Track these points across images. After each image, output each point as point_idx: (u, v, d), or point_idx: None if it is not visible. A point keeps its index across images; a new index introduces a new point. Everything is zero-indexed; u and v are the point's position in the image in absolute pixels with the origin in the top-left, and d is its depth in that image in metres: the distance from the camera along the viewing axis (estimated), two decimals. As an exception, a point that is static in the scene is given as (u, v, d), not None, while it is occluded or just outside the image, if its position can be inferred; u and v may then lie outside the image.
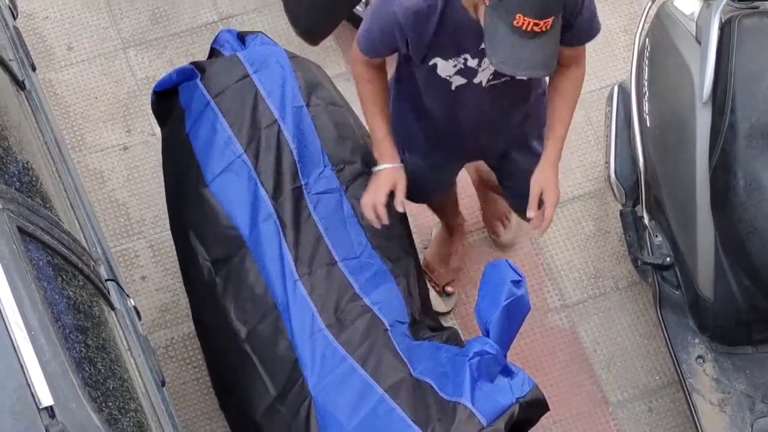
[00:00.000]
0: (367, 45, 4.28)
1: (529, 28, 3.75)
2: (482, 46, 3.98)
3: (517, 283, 4.19)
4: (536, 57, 3.85)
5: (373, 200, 4.38)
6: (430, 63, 4.19)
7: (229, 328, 4.40)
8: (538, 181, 4.38)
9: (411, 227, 4.79)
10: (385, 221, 4.39)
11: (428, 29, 4.06)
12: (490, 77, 4.22)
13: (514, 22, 3.74)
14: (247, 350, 4.36)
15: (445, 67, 4.19)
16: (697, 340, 5.01)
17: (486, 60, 4.07)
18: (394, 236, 4.58)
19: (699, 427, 4.92)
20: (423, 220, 5.43)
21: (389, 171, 4.40)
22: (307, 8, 5.33)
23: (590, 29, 4.26)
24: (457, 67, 4.19)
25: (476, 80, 4.24)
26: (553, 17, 3.79)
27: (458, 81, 4.24)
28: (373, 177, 4.43)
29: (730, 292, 4.86)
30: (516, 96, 4.42)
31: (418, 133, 4.54)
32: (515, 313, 4.24)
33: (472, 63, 4.17)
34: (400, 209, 4.42)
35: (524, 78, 4.19)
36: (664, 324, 5.07)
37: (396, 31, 4.10)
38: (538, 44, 3.81)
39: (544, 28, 3.77)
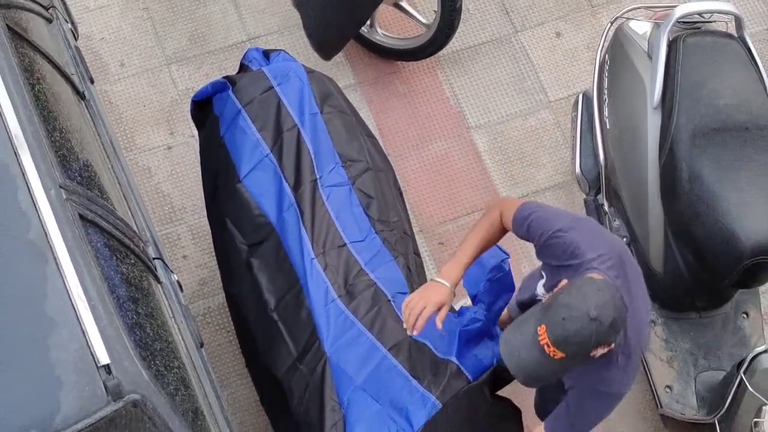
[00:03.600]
0: (518, 230, 3.90)
1: (543, 341, 3.43)
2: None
3: (504, 260, 4.19)
4: (528, 362, 3.48)
5: (420, 309, 3.96)
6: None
7: (261, 299, 4.39)
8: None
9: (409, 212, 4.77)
10: (418, 333, 3.98)
11: None
12: None
13: (538, 328, 3.45)
14: (274, 318, 4.35)
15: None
16: (648, 307, 4.99)
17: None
18: (394, 223, 4.56)
19: (651, 380, 4.93)
20: (420, 207, 5.41)
21: (446, 290, 3.97)
22: (323, 28, 5.36)
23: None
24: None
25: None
26: (564, 355, 3.43)
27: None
28: (431, 285, 4.01)
29: (677, 267, 4.85)
30: None
31: None
32: (502, 288, 4.26)
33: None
34: (439, 327, 4.00)
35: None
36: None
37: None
38: (540, 356, 3.45)
39: (552, 354, 3.43)
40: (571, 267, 3.70)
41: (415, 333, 3.97)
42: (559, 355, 3.42)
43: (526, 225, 3.85)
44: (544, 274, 3.93)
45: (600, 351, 3.52)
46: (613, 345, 3.54)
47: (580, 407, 3.77)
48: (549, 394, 4.17)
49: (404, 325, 3.99)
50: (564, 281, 3.64)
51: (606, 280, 3.55)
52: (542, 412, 4.33)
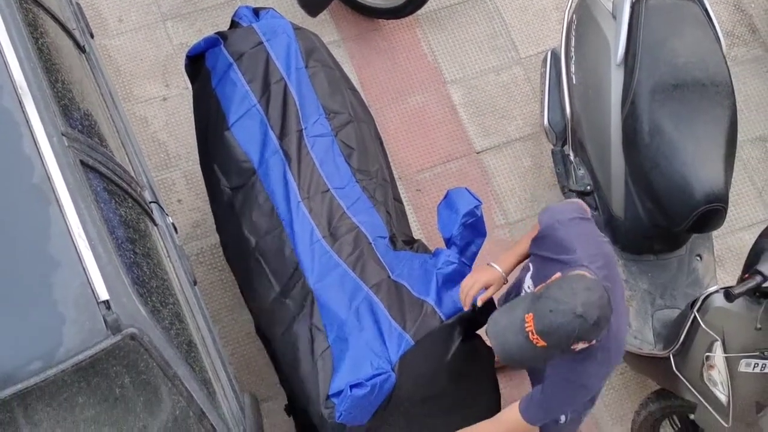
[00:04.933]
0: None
1: (528, 328, 3.42)
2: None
3: (476, 206, 4.20)
4: (511, 345, 3.47)
5: (469, 287, 4.03)
6: None
7: (242, 238, 4.40)
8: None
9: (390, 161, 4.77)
10: (466, 308, 4.07)
11: None
12: None
13: (526, 316, 3.44)
14: (256, 255, 4.36)
15: None
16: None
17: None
18: (374, 172, 4.55)
19: None
20: (399, 156, 5.40)
21: (497, 273, 4.02)
22: None
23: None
24: None
25: None
26: (546, 344, 3.43)
27: None
28: (484, 267, 4.07)
29: (637, 213, 4.87)
30: None
31: None
32: (475, 232, 4.25)
33: None
34: (479, 304, 4.05)
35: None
36: None
37: None
38: (523, 341, 3.45)
39: (535, 341, 3.43)
40: (561, 261, 3.68)
41: (465, 308, 4.05)
42: (541, 343, 3.42)
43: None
44: (531, 266, 3.92)
45: (581, 345, 3.51)
46: (594, 341, 3.54)
47: (554, 393, 3.76)
48: (534, 376, 4.19)
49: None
50: (557, 274, 3.63)
51: (595, 280, 3.53)
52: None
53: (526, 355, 3.47)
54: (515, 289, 4.17)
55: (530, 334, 3.42)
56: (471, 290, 4.02)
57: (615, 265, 3.83)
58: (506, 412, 3.89)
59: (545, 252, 3.78)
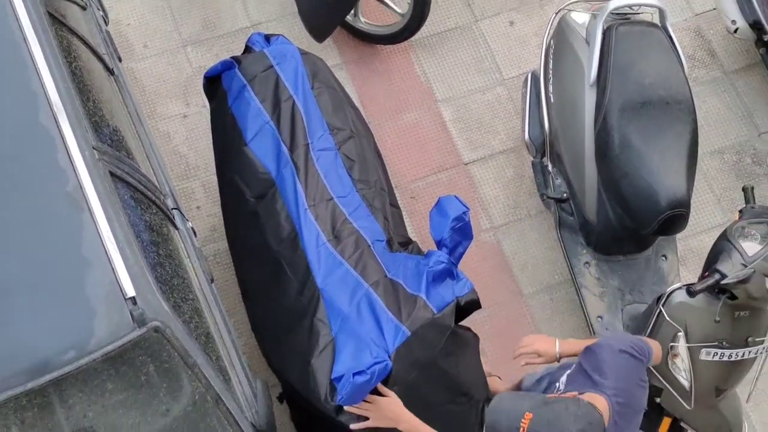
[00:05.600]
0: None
1: (523, 424, 3.26)
2: None
3: (464, 212, 4.18)
4: (502, 425, 3.31)
5: (525, 346, 3.97)
6: None
7: (265, 242, 4.37)
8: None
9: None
10: (514, 359, 3.99)
11: None
12: None
13: (527, 413, 3.29)
14: (278, 258, 4.32)
15: None
16: (584, 251, 5.05)
17: None
18: (373, 182, 4.53)
19: (585, 311, 4.97)
20: (395, 167, 5.38)
21: (552, 350, 3.94)
22: (315, 15, 5.39)
23: None
24: None
25: None
26: None
27: None
28: (547, 338, 3.98)
29: (608, 217, 4.87)
30: None
31: None
32: (463, 235, 4.23)
33: None
34: (522, 364, 4.01)
35: None
36: (562, 240, 5.10)
37: None
38: (513, 428, 3.30)
39: None
40: (592, 379, 3.55)
41: (519, 363, 3.97)
42: None
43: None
44: (572, 367, 3.75)
45: None
46: None
47: None
48: None
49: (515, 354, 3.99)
50: (575, 393, 3.50)
51: (600, 419, 3.33)
52: None
53: None
54: (552, 377, 4.01)
55: (522, 428, 3.28)
56: (525, 350, 3.94)
57: (636, 413, 3.61)
58: None
59: (586, 364, 3.63)
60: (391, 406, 3.89)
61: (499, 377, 4.63)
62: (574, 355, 3.84)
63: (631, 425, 3.58)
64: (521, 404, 3.33)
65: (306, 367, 4.07)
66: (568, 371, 3.74)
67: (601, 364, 3.58)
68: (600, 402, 3.44)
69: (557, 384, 3.75)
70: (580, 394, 3.49)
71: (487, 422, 3.37)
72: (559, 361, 3.96)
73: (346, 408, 3.93)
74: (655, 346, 3.83)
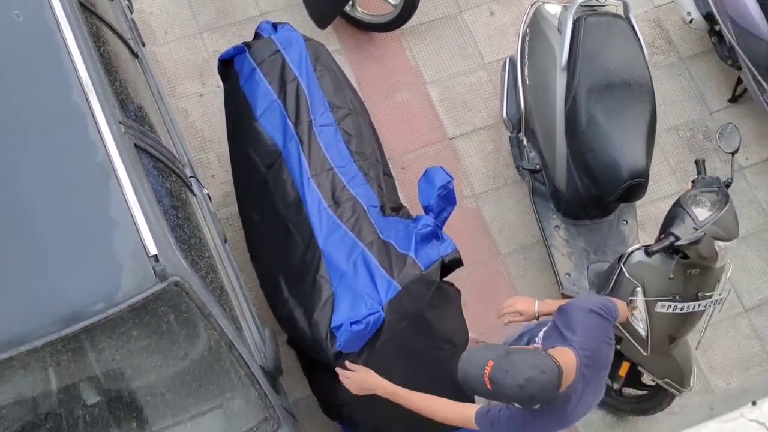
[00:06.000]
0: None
1: (486, 371, 3.29)
2: None
3: (449, 181, 4.21)
4: (469, 374, 3.35)
5: (508, 307, 3.92)
6: None
7: (274, 207, 4.38)
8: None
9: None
10: (498, 318, 3.95)
11: None
12: None
13: (490, 361, 3.31)
14: (285, 221, 4.34)
15: None
16: (555, 216, 5.02)
17: None
18: (369, 154, 4.53)
19: (555, 269, 4.97)
20: (388, 141, 5.40)
21: (531, 309, 3.88)
22: (317, 4, 5.35)
23: None
24: None
25: None
26: (491, 390, 3.32)
27: None
28: (527, 299, 3.94)
29: (576, 186, 4.88)
30: None
31: None
32: (447, 202, 4.25)
33: None
34: (502, 324, 3.97)
35: None
36: (535, 206, 5.09)
37: None
38: (478, 377, 3.33)
39: (486, 383, 3.33)
40: (563, 336, 3.52)
41: (503, 321, 3.94)
42: (489, 387, 3.32)
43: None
44: (548, 325, 3.72)
45: (518, 406, 3.43)
46: (538, 407, 3.41)
47: (506, 427, 3.56)
48: None
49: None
50: (538, 345, 3.53)
51: (554, 367, 3.31)
52: None
53: (478, 388, 3.36)
54: (531, 333, 3.94)
55: (485, 375, 3.30)
56: (508, 309, 3.91)
57: (603, 367, 3.60)
58: (466, 406, 3.67)
59: (559, 322, 3.60)
60: (367, 377, 3.88)
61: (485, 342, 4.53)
62: (551, 313, 3.81)
63: (597, 377, 3.60)
64: (487, 354, 3.35)
65: (309, 319, 4.11)
66: (545, 328, 3.73)
67: (572, 322, 3.54)
68: (568, 355, 3.45)
69: (536, 339, 3.75)
70: (553, 347, 3.49)
71: (459, 370, 3.40)
72: (537, 319, 3.93)
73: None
74: (621, 306, 3.78)
